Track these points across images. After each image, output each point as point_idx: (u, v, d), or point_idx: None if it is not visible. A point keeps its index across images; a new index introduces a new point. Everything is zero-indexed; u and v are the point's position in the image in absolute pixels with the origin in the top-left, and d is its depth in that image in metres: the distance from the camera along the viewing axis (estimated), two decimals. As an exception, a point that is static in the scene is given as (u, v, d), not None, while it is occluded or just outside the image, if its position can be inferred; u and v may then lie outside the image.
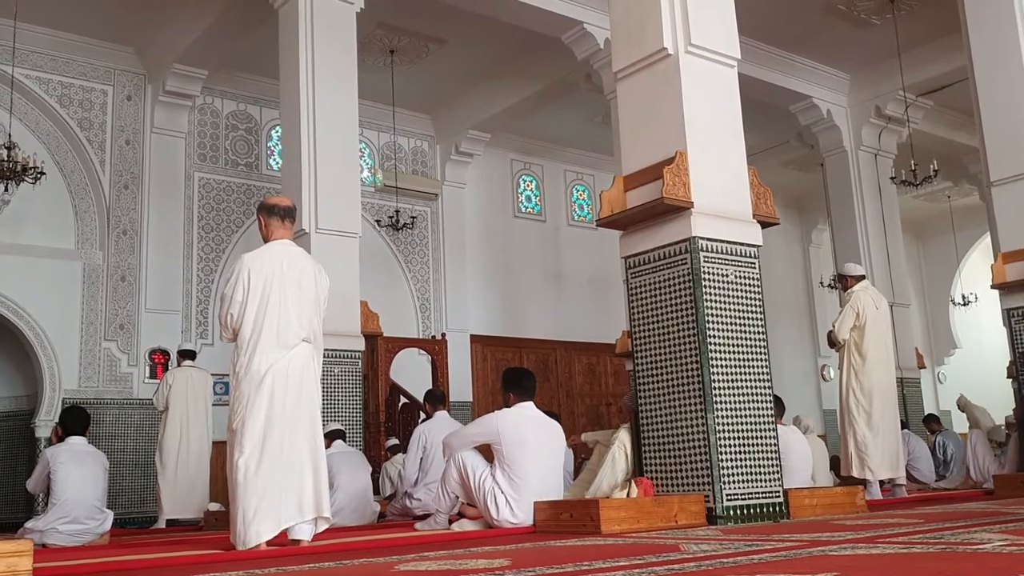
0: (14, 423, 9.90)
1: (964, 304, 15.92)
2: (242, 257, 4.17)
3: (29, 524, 5.52)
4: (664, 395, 4.68)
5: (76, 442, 5.69)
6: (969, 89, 7.98)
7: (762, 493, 4.57)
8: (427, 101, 11.86)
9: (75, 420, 5.82)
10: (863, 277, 7.03)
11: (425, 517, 5.41)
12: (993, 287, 7.51)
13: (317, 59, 7.75)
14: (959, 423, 13.92)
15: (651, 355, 4.77)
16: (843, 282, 7.08)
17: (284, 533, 3.93)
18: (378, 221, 11.45)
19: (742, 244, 4.84)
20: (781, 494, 4.66)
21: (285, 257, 4.19)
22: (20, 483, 9.47)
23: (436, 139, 12.49)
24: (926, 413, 11.05)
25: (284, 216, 4.27)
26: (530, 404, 4.83)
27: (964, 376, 16.41)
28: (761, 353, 4.77)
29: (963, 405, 8.72)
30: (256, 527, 3.77)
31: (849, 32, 10.58)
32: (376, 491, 7.45)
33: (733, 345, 4.64)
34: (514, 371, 5.10)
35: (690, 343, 4.58)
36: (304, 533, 3.94)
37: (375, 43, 10.10)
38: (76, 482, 5.48)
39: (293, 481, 3.90)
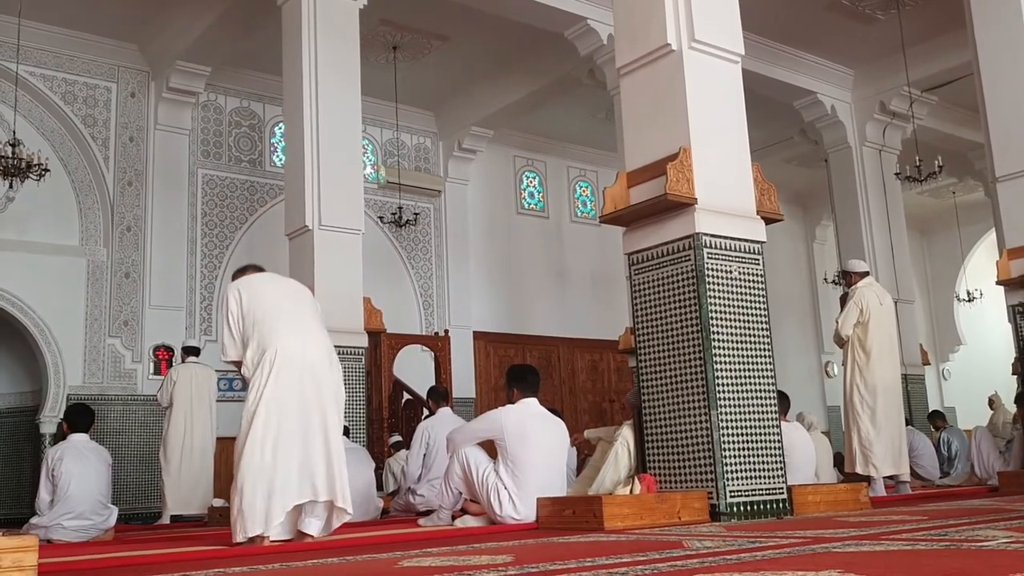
0: (19, 419, 9.93)
1: (969, 300, 15.89)
2: (228, 286, 4.27)
3: (34, 520, 5.53)
4: (667, 392, 4.68)
5: (78, 439, 5.69)
6: (974, 84, 7.96)
7: (766, 490, 4.56)
8: (430, 97, 11.85)
9: (79, 416, 5.83)
10: (867, 273, 7.01)
11: (428, 513, 5.41)
12: (998, 283, 7.50)
13: (320, 56, 7.75)
14: (963, 420, 13.92)
15: (654, 352, 4.77)
16: (847, 278, 7.06)
17: (297, 511, 3.91)
18: (381, 218, 11.45)
19: (746, 240, 4.83)
20: (785, 491, 4.65)
21: (271, 278, 4.35)
22: (25, 479, 9.52)
23: (439, 135, 12.49)
24: (931, 410, 11.04)
25: (256, 268, 4.39)
26: (534, 400, 4.83)
27: (969, 373, 16.39)
28: (765, 349, 4.76)
29: (996, 404, 8.77)
30: (266, 509, 3.78)
31: (853, 28, 10.55)
32: (379, 487, 7.46)
33: (737, 342, 4.63)
34: (519, 367, 5.10)
35: (693, 340, 4.58)
36: (312, 528, 3.94)
37: (378, 40, 10.09)
38: (80, 478, 5.49)
39: (307, 463, 3.89)
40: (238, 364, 4.13)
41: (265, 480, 3.81)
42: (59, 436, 8.38)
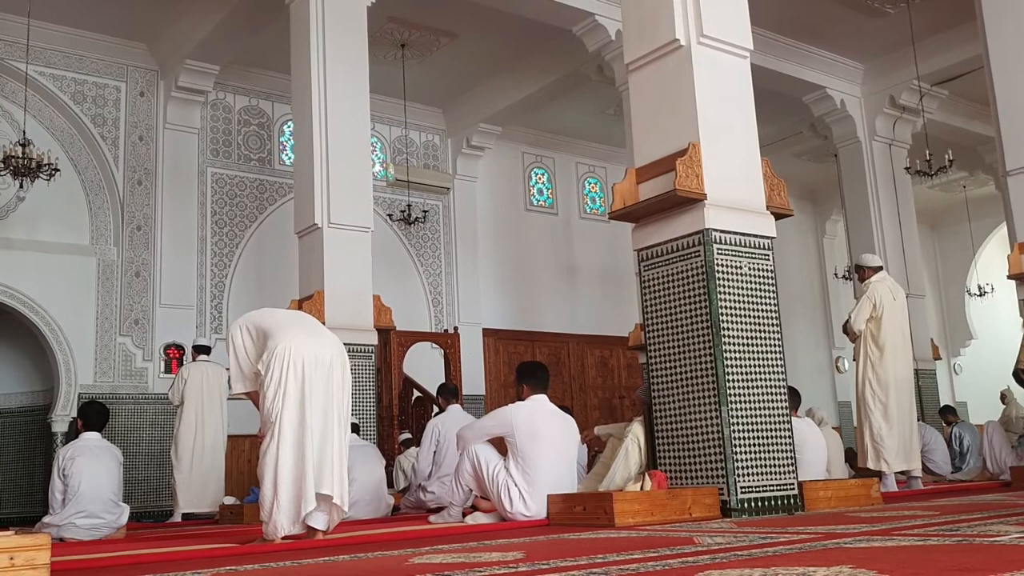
0: (31, 418, 9.98)
1: (980, 295, 15.82)
2: (232, 325, 4.33)
3: (46, 519, 5.55)
4: (678, 388, 4.67)
5: (90, 437, 5.71)
6: (985, 78, 7.92)
7: (777, 486, 4.55)
8: (438, 95, 11.85)
9: (93, 414, 5.84)
10: (880, 268, 6.98)
11: (439, 510, 5.42)
12: (1009, 277, 7.46)
13: (328, 54, 7.76)
14: (975, 414, 13.86)
15: (664, 348, 4.76)
16: (860, 273, 7.04)
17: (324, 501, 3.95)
18: (390, 215, 11.46)
19: (756, 236, 4.82)
20: (796, 486, 4.64)
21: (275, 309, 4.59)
22: (37, 477, 9.57)
23: (447, 133, 12.49)
24: (942, 404, 10.99)
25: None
26: (543, 397, 4.83)
27: (980, 367, 16.31)
28: (775, 345, 4.74)
29: (1008, 399, 8.72)
30: (299, 505, 3.83)
31: (863, 21, 10.51)
32: (390, 484, 7.47)
33: (747, 337, 4.62)
34: (528, 364, 5.11)
35: (704, 336, 4.57)
36: (319, 521, 3.96)
37: (386, 37, 10.10)
38: (91, 477, 5.51)
39: (324, 457, 3.91)
40: (249, 396, 4.17)
41: (296, 477, 3.84)
42: (71, 435, 8.43)
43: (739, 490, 4.39)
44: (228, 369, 4.25)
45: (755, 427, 4.53)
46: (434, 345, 10.31)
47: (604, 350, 13.25)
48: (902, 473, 6.75)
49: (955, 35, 10.37)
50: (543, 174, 13.50)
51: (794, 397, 5.70)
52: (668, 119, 4.92)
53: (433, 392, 8.27)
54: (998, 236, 16.03)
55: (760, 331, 4.69)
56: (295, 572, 2.72)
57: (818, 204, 15.86)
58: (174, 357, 9.85)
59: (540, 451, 4.59)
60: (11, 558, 2.33)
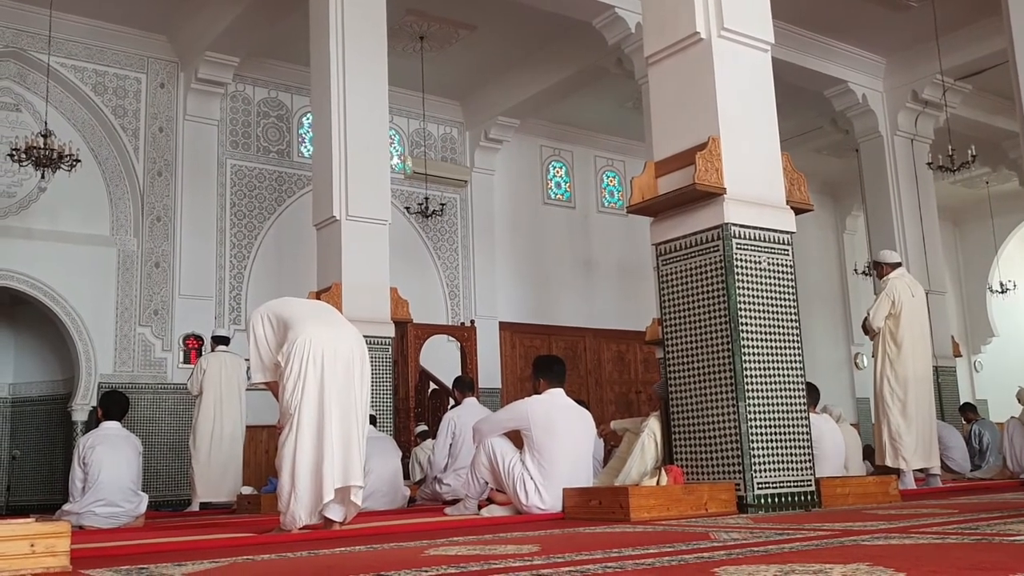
0: (51, 407, 10.08)
1: (1002, 291, 15.67)
2: (252, 313, 4.37)
3: (66, 507, 5.61)
4: (695, 383, 4.65)
5: (109, 426, 5.76)
6: (1009, 72, 7.82)
7: (794, 482, 4.53)
8: (457, 87, 11.85)
9: (113, 403, 5.89)
10: (899, 264, 6.93)
11: (455, 502, 5.43)
12: (1032, 274, 7.38)
13: (347, 46, 7.76)
14: (995, 412, 13.74)
15: (682, 343, 4.74)
16: (879, 269, 6.99)
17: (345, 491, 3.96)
18: (407, 208, 11.48)
19: (775, 231, 4.79)
20: (813, 483, 4.62)
21: (294, 298, 4.63)
22: (57, 466, 9.67)
23: (465, 126, 12.49)
24: (962, 402, 10.91)
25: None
26: (560, 391, 4.83)
27: (1002, 365, 16.17)
28: (794, 341, 4.72)
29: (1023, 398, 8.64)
30: (316, 497, 3.85)
31: (885, 15, 10.41)
32: (406, 476, 7.50)
33: (765, 333, 4.60)
34: (545, 358, 5.11)
35: (722, 331, 4.55)
36: (335, 513, 3.98)
37: (405, 29, 10.10)
38: (111, 466, 5.56)
39: (344, 449, 3.94)
40: (268, 386, 4.18)
41: (314, 469, 3.86)
42: (91, 423, 8.51)
43: (756, 486, 4.37)
44: (247, 360, 4.26)
45: (772, 423, 4.51)
46: (451, 338, 10.32)
47: (621, 344, 13.22)
48: (921, 471, 6.70)
49: (979, 29, 10.25)
50: (561, 167, 13.47)
51: (812, 393, 5.67)
52: (688, 113, 4.89)
53: (449, 385, 8.29)
54: (1021, 232, 15.88)
55: (778, 326, 4.66)
56: (312, 563, 2.73)
57: (838, 199, 15.75)
58: (193, 347, 9.92)
59: (556, 445, 4.59)
60: (32, 545, 2.36)
